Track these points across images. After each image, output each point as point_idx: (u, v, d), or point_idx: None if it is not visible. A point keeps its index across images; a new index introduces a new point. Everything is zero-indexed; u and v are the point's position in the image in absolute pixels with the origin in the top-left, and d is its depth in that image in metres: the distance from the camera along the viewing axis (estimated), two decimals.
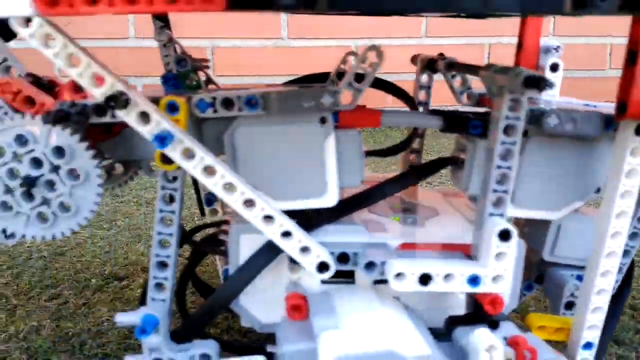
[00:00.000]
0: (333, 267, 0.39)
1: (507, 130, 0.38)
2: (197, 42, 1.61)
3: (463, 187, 0.47)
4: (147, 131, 0.34)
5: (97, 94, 0.33)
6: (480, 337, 0.37)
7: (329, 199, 0.43)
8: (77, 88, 0.41)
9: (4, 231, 0.38)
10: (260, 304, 0.44)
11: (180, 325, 0.42)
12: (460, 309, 0.45)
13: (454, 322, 0.41)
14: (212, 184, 0.36)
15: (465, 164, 0.46)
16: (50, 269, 0.74)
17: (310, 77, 0.52)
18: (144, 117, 0.34)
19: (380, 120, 0.44)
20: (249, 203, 0.37)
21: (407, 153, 0.58)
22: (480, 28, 1.74)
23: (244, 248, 0.42)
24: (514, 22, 0.54)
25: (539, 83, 0.35)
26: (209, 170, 0.36)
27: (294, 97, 0.38)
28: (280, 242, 0.38)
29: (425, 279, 0.38)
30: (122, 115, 0.34)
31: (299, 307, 0.40)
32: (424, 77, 0.57)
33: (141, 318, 0.39)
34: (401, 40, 1.71)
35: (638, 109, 0.37)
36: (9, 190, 0.36)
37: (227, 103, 0.39)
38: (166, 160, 0.36)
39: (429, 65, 0.56)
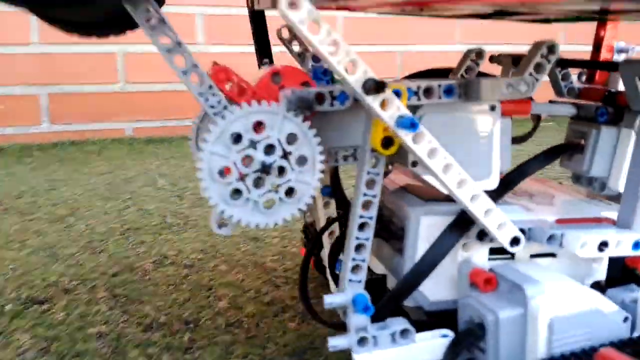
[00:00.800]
0: (523, 241, 0.43)
1: None
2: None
3: (585, 169, 0.52)
4: (388, 116, 0.36)
5: (351, 81, 0.35)
6: None
7: (493, 182, 0.46)
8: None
9: (218, 219, 0.38)
10: (430, 283, 0.47)
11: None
12: (593, 277, 0.51)
13: (604, 285, 0.47)
14: (435, 165, 0.39)
15: (586, 149, 0.52)
16: None
17: (431, 71, 0.56)
18: (384, 103, 0.36)
19: (530, 109, 0.48)
20: (462, 183, 0.40)
21: None
22: (392, 36, 1.87)
23: (423, 229, 0.45)
24: (424, 31, 0.61)
25: None
26: (432, 153, 0.39)
27: (496, 85, 0.42)
28: (483, 219, 0.41)
29: (602, 246, 0.43)
30: (369, 100, 0.36)
31: (491, 280, 0.43)
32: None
33: (354, 297, 0.41)
34: None
35: None
36: (242, 177, 0.37)
37: (428, 91, 0.41)
38: (387, 144, 0.39)
39: (515, 61, 0.62)
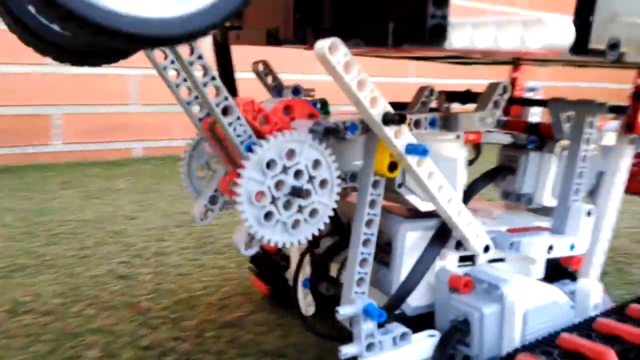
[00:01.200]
0: (492, 248, 0.51)
1: (587, 141, 0.56)
2: None
3: (517, 187, 0.63)
4: (400, 144, 0.42)
5: (374, 114, 0.40)
6: (586, 282, 0.53)
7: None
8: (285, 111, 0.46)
9: (248, 240, 0.41)
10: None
11: None
12: (533, 277, 0.60)
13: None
14: (432, 185, 0.45)
15: (518, 170, 0.63)
16: None
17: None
18: (397, 133, 0.42)
19: (481, 138, 0.58)
20: (450, 200, 0.47)
21: None
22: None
23: (409, 242, 0.51)
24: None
25: None
26: (431, 175, 0.45)
27: (469, 118, 0.50)
28: (465, 230, 0.49)
29: (549, 249, 0.53)
30: (386, 131, 0.41)
31: (468, 283, 0.50)
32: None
33: (365, 307, 0.45)
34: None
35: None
36: (273, 200, 0.40)
37: (417, 123, 0.48)
38: (392, 168, 0.45)
39: (452, 98, 0.72)
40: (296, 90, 0.57)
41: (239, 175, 0.39)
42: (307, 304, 0.63)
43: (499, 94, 0.53)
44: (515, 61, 0.72)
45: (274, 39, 0.46)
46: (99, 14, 0.25)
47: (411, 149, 0.42)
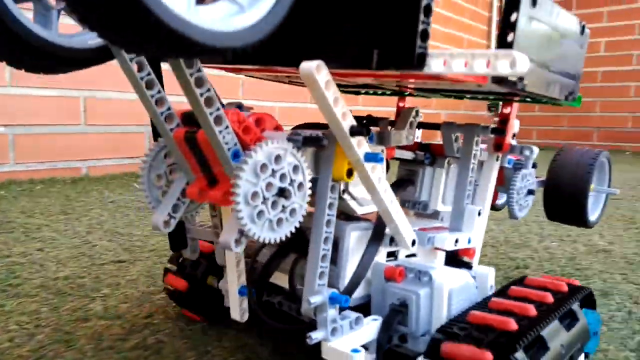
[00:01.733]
0: (417, 243, 0.61)
1: (474, 157, 0.70)
2: None
3: (416, 196, 0.75)
4: (360, 152, 0.50)
5: (344, 126, 0.48)
6: (483, 269, 0.66)
7: None
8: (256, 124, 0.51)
9: (238, 237, 0.45)
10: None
11: None
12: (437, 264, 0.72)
13: None
14: (381, 188, 0.54)
15: (416, 182, 0.75)
16: None
17: (312, 124, 0.71)
18: (359, 143, 0.50)
19: (395, 153, 0.68)
20: (392, 202, 0.56)
21: None
22: (76, 80, 2.02)
23: (352, 240, 0.59)
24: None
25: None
26: (380, 180, 0.54)
27: (399, 135, 0.60)
28: (401, 227, 0.58)
29: (456, 242, 0.65)
30: (352, 141, 0.49)
31: (402, 272, 0.59)
32: None
33: (331, 296, 0.51)
34: None
35: (506, 148, 0.75)
36: (264, 200, 0.45)
37: None
38: (349, 174, 0.52)
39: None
40: (240, 107, 0.62)
41: (230, 179, 0.43)
42: (242, 310, 0.66)
43: (413, 117, 0.64)
44: (402, 93, 0.86)
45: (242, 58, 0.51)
46: (192, 30, 0.29)
47: (369, 157, 0.51)
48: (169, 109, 0.49)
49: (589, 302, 0.67)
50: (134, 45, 0.30)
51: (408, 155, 0.74)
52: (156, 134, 0.56)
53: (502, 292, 0.64)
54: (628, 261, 1.13)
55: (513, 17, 0.47)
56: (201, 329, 0.76)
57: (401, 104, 0.89)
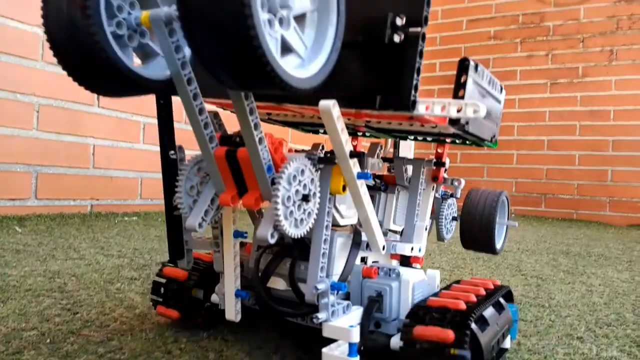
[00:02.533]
0: (386, 247, 0.77)
1: (422, 184, 0.88)
2: None
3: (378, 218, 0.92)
4: (355, 171, 0.66)
5: (347, 150, 0.64)
6: (433, 271, 0.83)
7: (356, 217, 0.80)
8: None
9: (272, 231, 0.58)
10: None
11: None
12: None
13: None
14: (366, 201, 0.70)
15: (375, 205, 0.92)
16: None
17: None
18: (355, 164, 0.66)
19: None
20: (371, 212, 0.72)
21: None
22: None
23: (338, 245, 0.74)
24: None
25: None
26: (365, 193, 0.69)
27: (375, 162, 0.76)
28: (376, 234, 0.73)
29: (412, 250, 0.82)
30: (350, 162, 0.65)
31: (376, 271, 0.75)
32: None
33: (332, 284, 0.65)
34: None
35: (441, 179, 0.95)
36: (293, 203, 0.59)
37: None
38: (343, 189, 0.68)
39: None
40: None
41: (259, 188, 0.57)
42: (236, 311, 0.78)
43: (379, 150, 0.82)
44: (355, 133, 1.04)
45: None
46: (290, 79, 0.44)
47: (361, 175, 0.67)
48: (212, 131, 0.62)
49: (508, 297, 0.86)
50: (248, 87, 0.44)
51: (370, 182, 0.91)
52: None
53: (447, 288, 0.81)
54: (516, 301, 1.33)
55: (463, 78, 0.67)
56: None
57: (354, 143, 1.07)
